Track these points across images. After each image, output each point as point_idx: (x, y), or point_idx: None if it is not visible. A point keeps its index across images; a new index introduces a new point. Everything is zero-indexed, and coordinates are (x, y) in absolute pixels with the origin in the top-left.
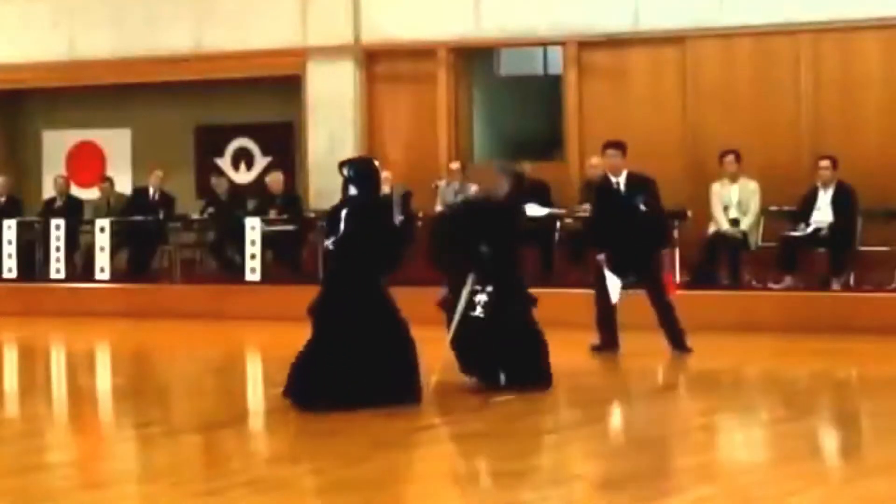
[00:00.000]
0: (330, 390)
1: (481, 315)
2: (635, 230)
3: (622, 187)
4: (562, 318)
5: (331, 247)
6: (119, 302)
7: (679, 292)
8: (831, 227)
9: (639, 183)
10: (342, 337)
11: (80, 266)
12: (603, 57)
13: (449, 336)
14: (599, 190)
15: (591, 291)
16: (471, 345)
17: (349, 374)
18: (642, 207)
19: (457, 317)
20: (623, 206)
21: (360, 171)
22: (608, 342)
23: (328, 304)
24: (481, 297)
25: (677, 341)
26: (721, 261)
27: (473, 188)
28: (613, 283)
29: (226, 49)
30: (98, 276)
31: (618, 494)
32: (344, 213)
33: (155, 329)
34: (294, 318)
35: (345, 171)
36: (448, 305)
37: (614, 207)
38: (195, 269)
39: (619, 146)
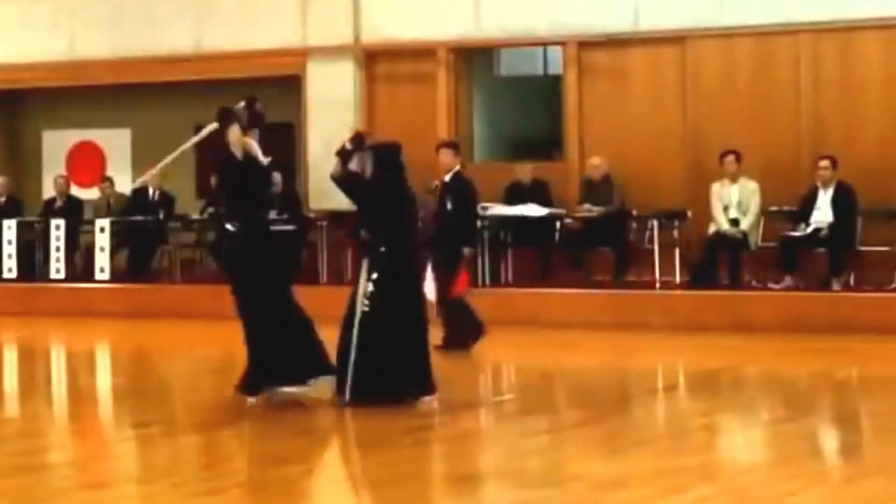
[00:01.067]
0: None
1: (367, 309)
2: (443, 229)
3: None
4: (561, 318)
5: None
6: (119, 302)
7: (466, 289)
8: (831, 227)
9: (454, 184)
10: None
11: (80, 266)
12: (603, 57)
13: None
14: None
15: (594, 291)
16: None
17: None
18: (448, 206)
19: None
20: (442, 205)
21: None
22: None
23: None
24: (368, 287)
25: (449, 340)
26: (721, 261)
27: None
28: (428, 281)
29: (226, 49)
30: (98, 276)
31: (618, 494)
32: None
33: (155, 329)
34: None
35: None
36: None
37: (439, 207)
38: (195, 269)
39: (451, 146)
